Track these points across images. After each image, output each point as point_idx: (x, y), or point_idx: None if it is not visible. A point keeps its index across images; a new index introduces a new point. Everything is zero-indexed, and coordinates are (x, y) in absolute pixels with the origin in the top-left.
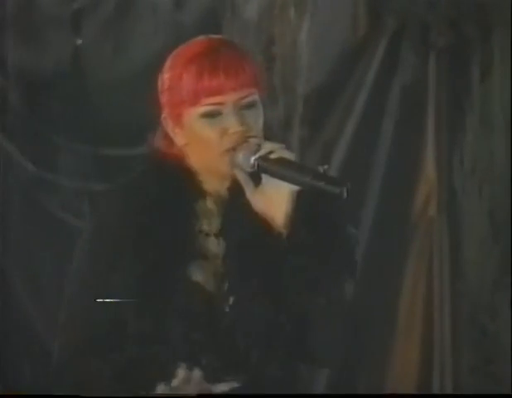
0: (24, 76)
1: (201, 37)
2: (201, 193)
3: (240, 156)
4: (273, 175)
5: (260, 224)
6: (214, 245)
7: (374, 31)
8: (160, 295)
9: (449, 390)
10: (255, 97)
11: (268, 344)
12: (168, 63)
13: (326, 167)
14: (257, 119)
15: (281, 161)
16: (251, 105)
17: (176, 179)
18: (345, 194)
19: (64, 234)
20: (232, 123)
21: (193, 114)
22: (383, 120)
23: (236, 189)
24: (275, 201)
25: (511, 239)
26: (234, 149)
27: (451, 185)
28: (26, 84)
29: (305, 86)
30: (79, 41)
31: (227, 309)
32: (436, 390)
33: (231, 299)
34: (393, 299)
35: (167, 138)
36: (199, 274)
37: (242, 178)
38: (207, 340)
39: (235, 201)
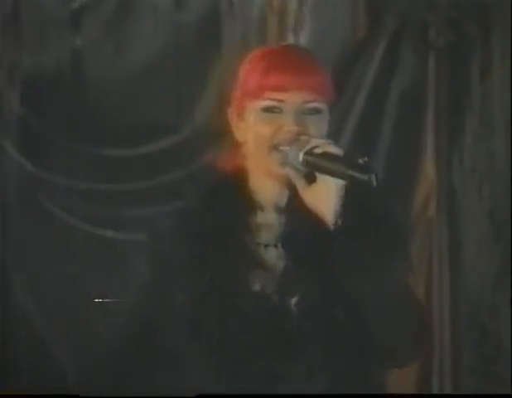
0: (24, 76)
1: (282, 43)
2: (258, 207)
3: (291, 153)
4: (318, 170)
5: (314, 222)
6: (274, 255)
7: (374, 32)
8: (224, 306)
9: (449, 390)
10: (320, 105)
11: (334, 342)
12: (247, 59)
13: (365, 159)
14: (318, 127)
15: (325, 155)
16: (314, 111)
17: (234, 194)
18: (374, 181)
19: (63, 233)
20: (289, 122)
21: (255, 107)
22: (382, 120)
23: (291, 193)
24: (324, 196)
25: (511, 239)
26: (285, 147)
27: (450, 185)
28: (26, 83)
29: None
30: (79, 41)
31: (293, 314)
32: (435, 391)
33: (295, 303)
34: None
35: (233, 150)
36: (260, 284)
37: (293, 176)
38: (273, 345)
39: (291, 207)
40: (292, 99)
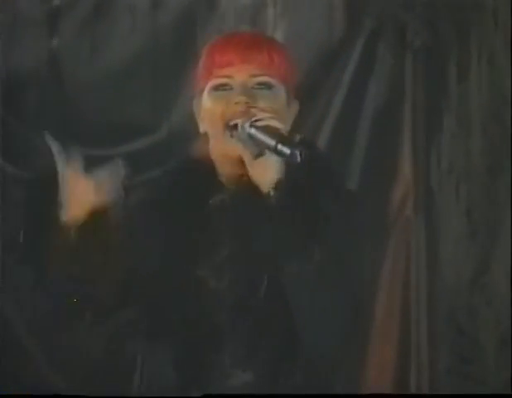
0: (0, 76)
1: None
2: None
3: (240, 126)
4: (257, 142)
5: (255, 198)
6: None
7: (351, 32)
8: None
9: (425, 391)
10: (271, 80)
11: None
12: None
13: (302, 135)
14: (269, 102)
15: (265, 128)
16: (264, 86)
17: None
18: (297, 157)
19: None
20: (237, 95)
21: (208, 88)
22: (360, 120)
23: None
24: (266, 169)
25: (488, 238)
26: (235, 121)
27: (427, 184)
28: (3, 84)
29: None
30: (56, 41)
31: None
32: (413, 390)
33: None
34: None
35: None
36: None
37: (241, 150)
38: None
39: (239, 185)
40: (239, 73)
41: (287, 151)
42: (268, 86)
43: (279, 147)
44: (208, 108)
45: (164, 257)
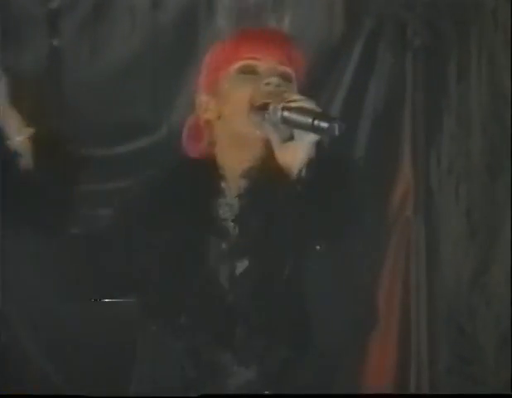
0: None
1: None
2: (221, 191)
3: (270, 107)
4: (291, 124)
5: (275, 185)
6: (230, 229)
7: (351, 32)
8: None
9: (425, 391)
10: (291, 72)
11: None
12: (218, 44)
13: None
14: (290, 92)
15: (299, 109)
16: (286, 76)
17: (200, 175)
18: (336, 130)
19: None
20: (266, 77)
21: (231, 71)
22: (360, 120)
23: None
24: (296, 152)
25: (488, 238)
26: (266, 100)
27: (427, 185)
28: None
29: None
30: (56, 42)
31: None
32: (412, 390)
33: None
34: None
35: (196, 136)
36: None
37: (270, 132)
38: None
39: (255, 172)
40: (267, 58)
41: (324, 125)
42: (288, 78)
43: (316, 122)
44: (233, 92)
45: (168, 253)
